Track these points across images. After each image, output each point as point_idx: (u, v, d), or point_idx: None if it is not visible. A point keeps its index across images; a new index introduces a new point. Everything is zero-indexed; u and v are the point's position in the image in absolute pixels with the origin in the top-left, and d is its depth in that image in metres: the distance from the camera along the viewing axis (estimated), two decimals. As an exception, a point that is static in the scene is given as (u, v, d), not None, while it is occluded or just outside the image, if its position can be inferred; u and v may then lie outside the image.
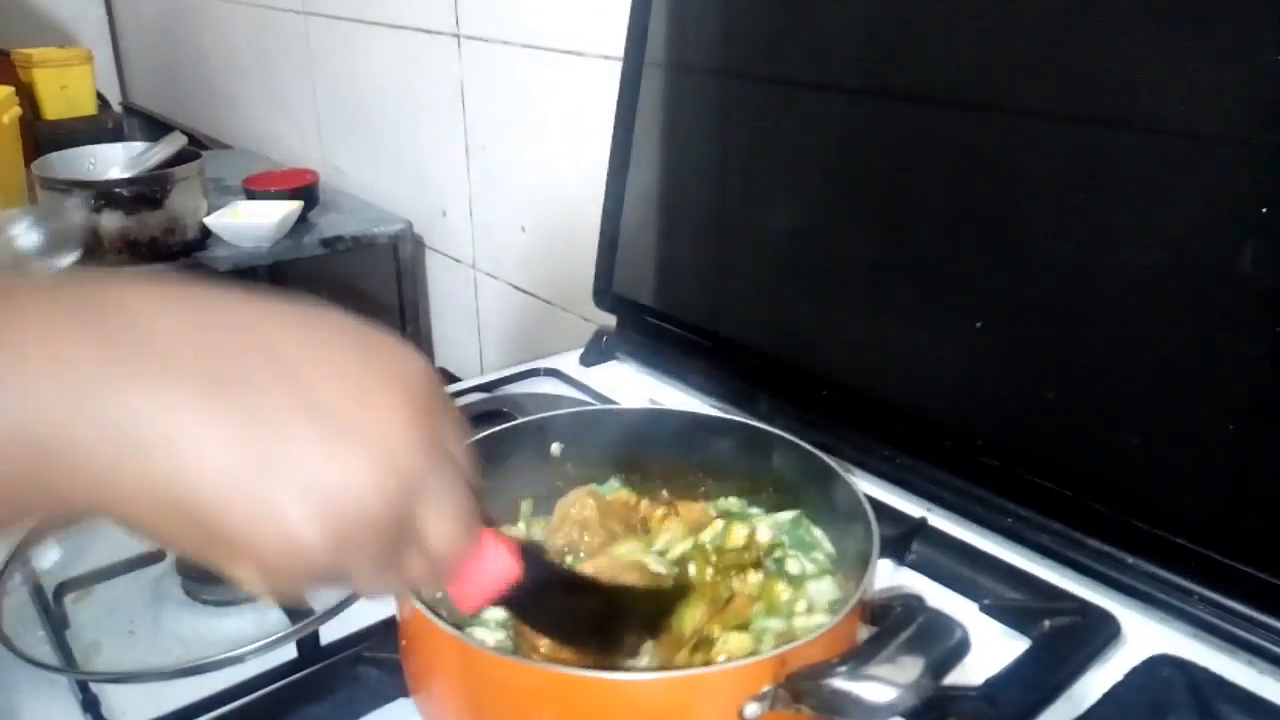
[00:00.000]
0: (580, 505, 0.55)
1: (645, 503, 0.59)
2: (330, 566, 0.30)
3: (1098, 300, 0.61)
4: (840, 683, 0.36)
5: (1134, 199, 0.59)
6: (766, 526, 0.54)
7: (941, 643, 0.38)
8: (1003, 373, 0.67)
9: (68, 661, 0.56)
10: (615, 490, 0.59)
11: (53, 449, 0.27)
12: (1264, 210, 0.52)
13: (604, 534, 0.54)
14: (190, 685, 0.53)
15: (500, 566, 0.37)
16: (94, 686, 0.54)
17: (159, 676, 0.54)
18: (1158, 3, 0.57)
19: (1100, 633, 0.57)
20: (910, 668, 0.36)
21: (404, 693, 0.50)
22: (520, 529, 0.58)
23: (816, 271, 0.79)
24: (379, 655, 0.54)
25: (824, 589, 0.51)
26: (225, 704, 0.53)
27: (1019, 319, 0.66)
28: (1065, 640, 0.56)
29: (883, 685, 0.36)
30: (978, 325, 0.67)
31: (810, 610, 0.49)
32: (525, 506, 0.59)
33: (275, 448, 0.29)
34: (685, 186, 0.90)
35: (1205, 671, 0.53)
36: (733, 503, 0.59)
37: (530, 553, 0.38)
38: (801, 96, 0.78)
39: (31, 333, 0.28)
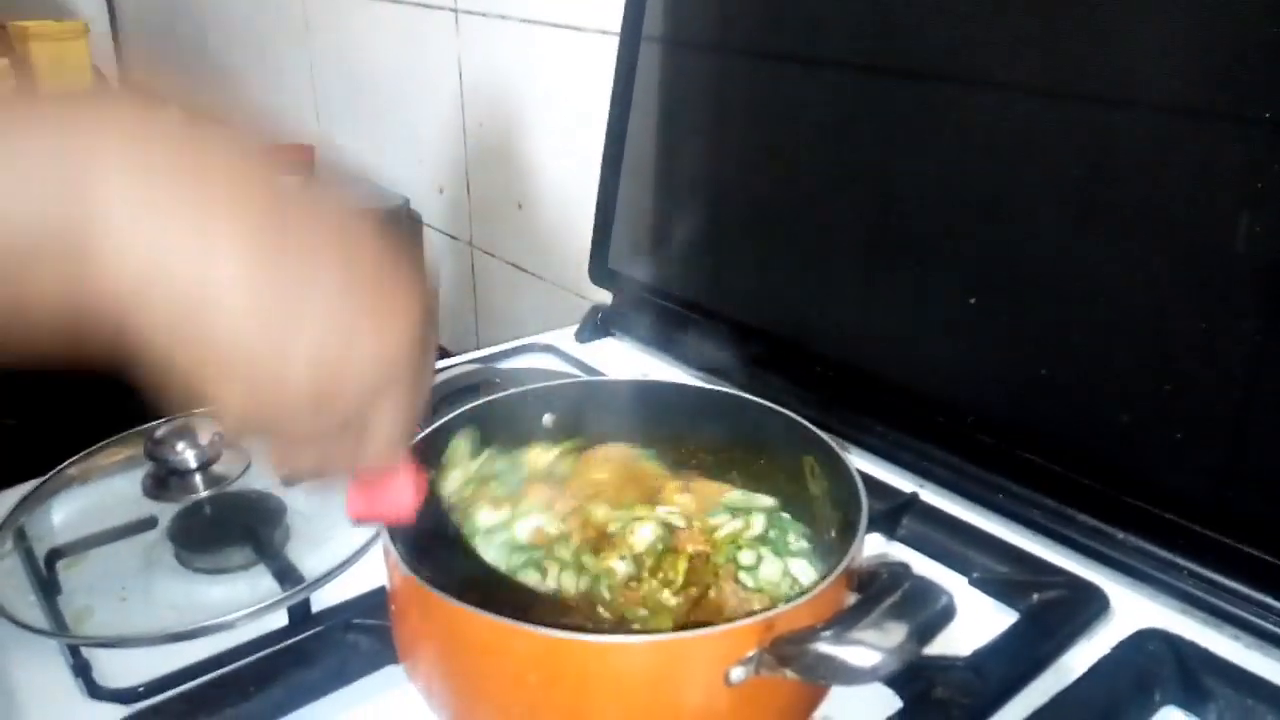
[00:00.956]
0: (601, 464, 0.56)
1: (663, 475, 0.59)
2: (298, 412, 0.34)
3: (1091, 277, 0.61)
4: (825, 647, 0.37)
5: (1128, 175, 0.59)
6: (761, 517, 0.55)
7: (926, 608, 0.38)
8: (996, 349, 0.67)
9: (59, 626, 0.56)
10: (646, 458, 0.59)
11: (102, 256, 0.32)
12: (1259, 185, 0.52)
13: (615, 495, 0.55)
14: (181, 650, 0.54)
15: (403, 497, 0.41)
16: (85, 651, 0.54)
17: (150, 641, 0.54)
18: (1157, -24, 0.56)
19: (1088, 607, 0.57)
20: (895, 632, 0.36)
21: (394, 660, 0.51)
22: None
23: (812, 248, 0.79)
24: (369, 622, 0.54)
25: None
26: (216, 669, 0.53)
27: (1012, 295, 0.66)
28: (1053, 614, 0.57)
29: (867, 649, 0.36)
30: (971, 301, 0.67)
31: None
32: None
33: (302, 295, 0.33)
34: (681, 163, 0.90)
35: (1192, 645, 0.53)
36: (736, 497, 0.59)
37: (433, 504, 0.43)
38: (797, 72, 0.78)
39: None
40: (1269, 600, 0.54)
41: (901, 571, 0.40)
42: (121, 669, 0.53)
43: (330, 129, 1.67)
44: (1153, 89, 0.57)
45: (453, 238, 1.42)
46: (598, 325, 0.94)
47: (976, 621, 0.56)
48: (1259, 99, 0.53)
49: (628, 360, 0.90)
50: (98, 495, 0.68)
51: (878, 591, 0.39)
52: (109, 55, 2.40)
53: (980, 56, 0.66)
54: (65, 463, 0.68)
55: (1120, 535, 0.60)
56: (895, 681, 0.50)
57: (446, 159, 1.37)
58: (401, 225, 1.44)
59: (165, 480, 0.63)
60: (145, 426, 0.69)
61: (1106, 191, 0.60)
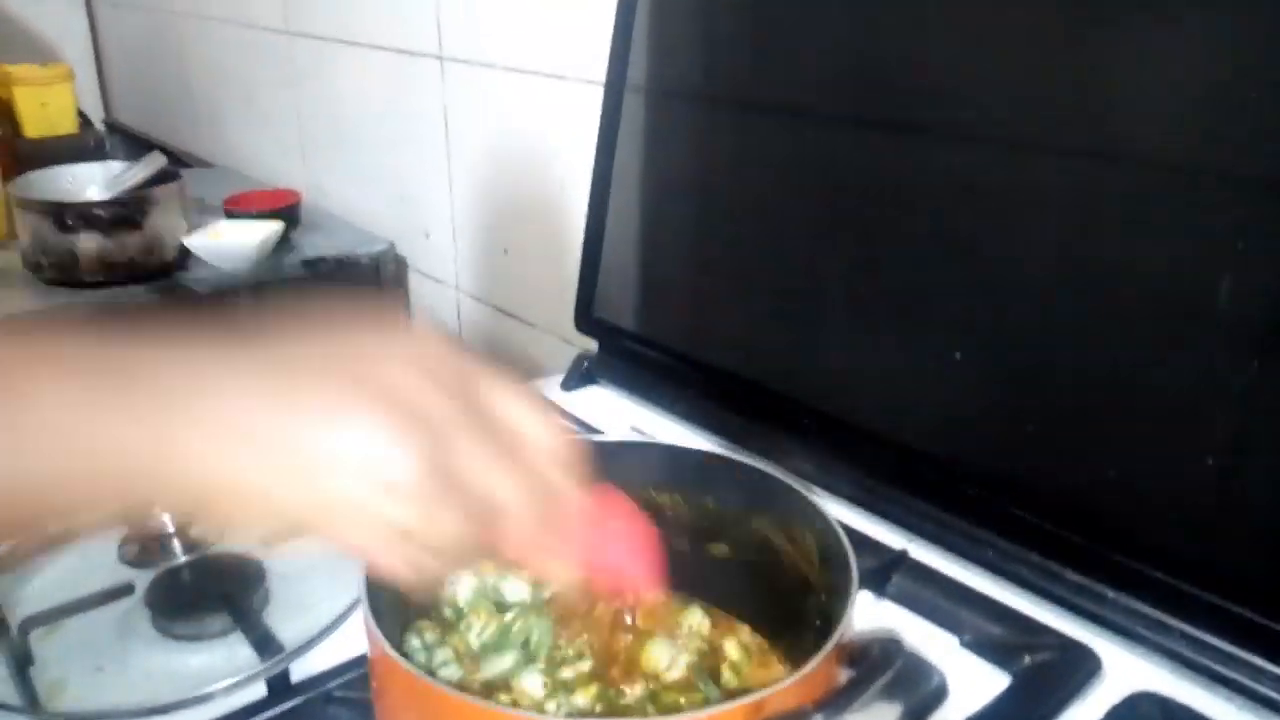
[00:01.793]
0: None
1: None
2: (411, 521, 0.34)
3: (1077, 332, 0.61)
4: (815, 732, 0.36)
5: (1114, 231, 0.59)
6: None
7: (919, 689, 0.37)
8: (982, 403, 0.67)
9: (30, 702, 0.54)
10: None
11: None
12: (1240, 245, 0.52)
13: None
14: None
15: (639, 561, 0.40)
16: (57, 735, 0.53)
17: (127, 715, 0.53)
18: (1140, 38, 0.57)
19: (1080, 669, 0.56)
20: (887, 715, 0.36)
21: (375, 734, 0.50)
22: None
23: (797, 298, 0.79)
24: (350, 695, 0.53)
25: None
26: (192, 745, 0.52)
27: (998, 350, 0.66)
28: (1045, 677, 0.56)
29: (858, 734, 0.35)
30: (957, 356, 0.67)
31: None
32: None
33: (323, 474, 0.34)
34: (666, 211, 0.90)
35: (1186, 710, 0.53)
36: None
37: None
38: (782, 123, 0.78)
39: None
40: (1260, 662, 0.53)
41: (893, 649, 0.39)
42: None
43: (317, 173, 1.67)
44: (1138, 145, 0.58)
45: (438, 282, 1.41)
46: (583, 374, 0.94)
47: (968, 685, 0.55)
48: (1243, 158, 0.53)
49: (614, 410, 0.89)
50: (74, 559, 0.66)
51: (868, 669, 0.38)
52: (95, 99, 2.41)
53: (966, 110, 0.66)
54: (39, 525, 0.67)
55: (1110, 594, 0.59)
56: (887, 752, 0.49)
57: (433, 204, 1.37)
58: (387, 270, 1.44)
59: (142, 545, 0.62)
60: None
61: (1091, 246, 0.60)
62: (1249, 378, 0.54)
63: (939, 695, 0.37)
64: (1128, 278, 0.58)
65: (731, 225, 0.84)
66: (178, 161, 1.71)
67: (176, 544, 0.62)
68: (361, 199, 1.55)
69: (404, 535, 0.34)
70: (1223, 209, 0.53)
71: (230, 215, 1.42)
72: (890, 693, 0.37)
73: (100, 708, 0.54)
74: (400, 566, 0.36)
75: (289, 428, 0.33)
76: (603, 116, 0.92)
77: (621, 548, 0.40)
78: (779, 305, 0.80)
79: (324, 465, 0.33)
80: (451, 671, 0.47)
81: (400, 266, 1.47)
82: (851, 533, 0.62)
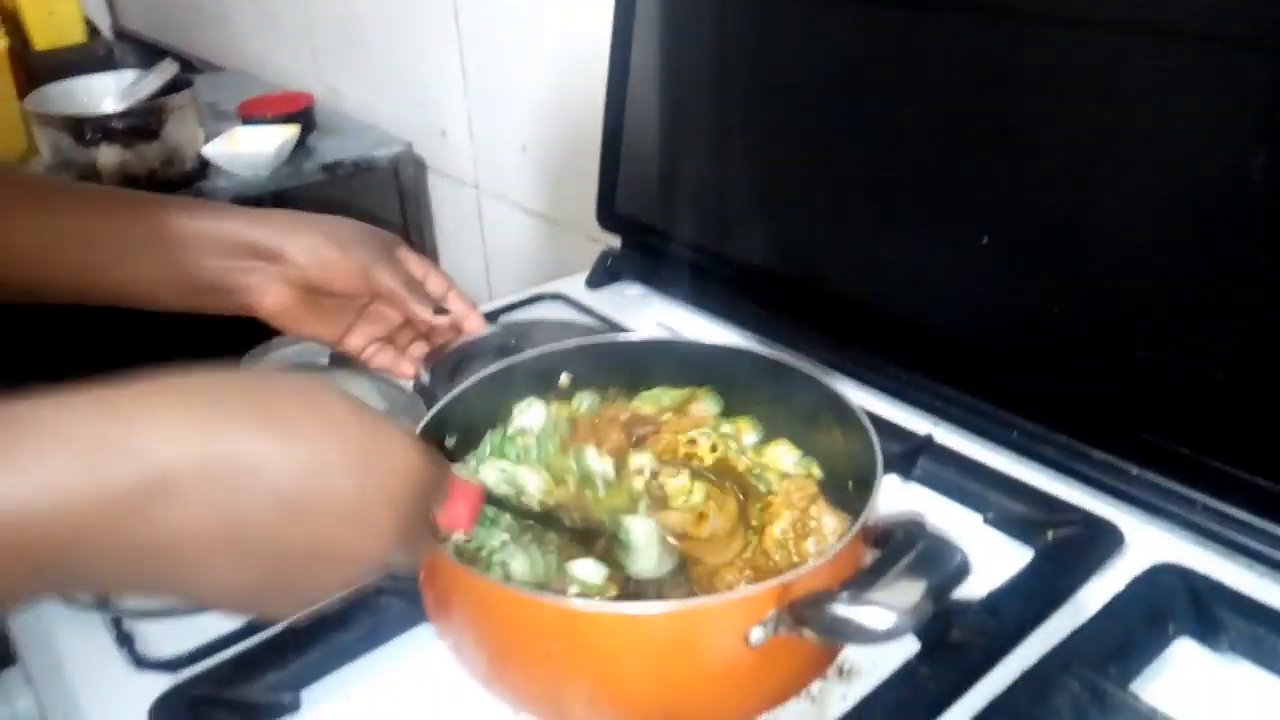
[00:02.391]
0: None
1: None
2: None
3: (1105, 212, 0.60)
4: (842, 609, 0.37)
5: (1143, 107, 0.57)
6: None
7: (941, 567, 0.38)
8: (1009, 287, 0.67)
9: (101, 599, 0.57)
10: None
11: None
12: (1275, 117, 0.51)
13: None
14: (223, 619, 0.55)
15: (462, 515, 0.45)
16: (127, 624, 0.56)
17: (189, 611, 0.56)
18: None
19: (1103, 543, 0.58)
20: (910, 593, 0.37)
21: (425, 619, 0.52)
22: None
23: (821, 187, 0.78)
24: (400, 585, 0.55)
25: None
26: (255, 634, 0.55)
27: (1025, 233, 0.65)
28: (1068, 551, 0.57)
29: (883, 610, 0.37)
30: (984, 240, 0.66)
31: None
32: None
33: (287, 577, 0.37)
34: (686, 102, 0.88)
35: (1205, 578, 0.54)
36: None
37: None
38: (801, 6, 0.76)
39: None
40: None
41: (916, 530, 0.40)
42: (163, 639, 0.55)
43: (328, 75, 1.64)
44: (1167, 15, 0.56)
45: (458, 181, 1.40)
46: (607, 271, 0.94)
47: (993, 561, 0.57)
48: (1277, 26, 0.51)
49: (639, 306, 0.90)
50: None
51: (893, 550, 0.40)
52: (101, 6, 2.36)
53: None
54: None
55: (1135, 470, 0.60)
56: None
57: (447, 102, 1.35)
58: (406, 171, 1.43)
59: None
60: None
61: (1119, 124, 0.59)
62: (1278, 253, 0.53)
63: (961, 572, 0.39)
64: (1158, 155, 0.57)
65: (752, 114, 0.83)
66: (188, 67, 1.69)
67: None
68: (375, 100, 1.53)
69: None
70: (1256, 81, 0.52)
71: (245, 121, 1.41)
72: (914, 571, 0.38)
73: (165, 605, 0.57)
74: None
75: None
76: (617, 4, 0.89)
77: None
78: (803, 195, 0.80)
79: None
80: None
81: (419, 168, 1.46)
82: (878, 419, 0.64)
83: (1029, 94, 0.62)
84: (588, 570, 0.47)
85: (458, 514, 0.45)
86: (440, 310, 0.62)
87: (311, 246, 0.59)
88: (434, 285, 0.63)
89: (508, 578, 0.46)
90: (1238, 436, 0.57)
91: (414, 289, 0.61)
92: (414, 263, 0.63)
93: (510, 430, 0.57)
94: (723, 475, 0.54)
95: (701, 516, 0.52)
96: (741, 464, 0.55)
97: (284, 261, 0.59)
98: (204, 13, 2.03)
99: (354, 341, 0.63)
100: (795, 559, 0.47)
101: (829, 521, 0.48)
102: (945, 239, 0.69)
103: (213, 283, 0.58)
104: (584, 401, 0.60)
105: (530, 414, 0.57)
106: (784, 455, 0.57)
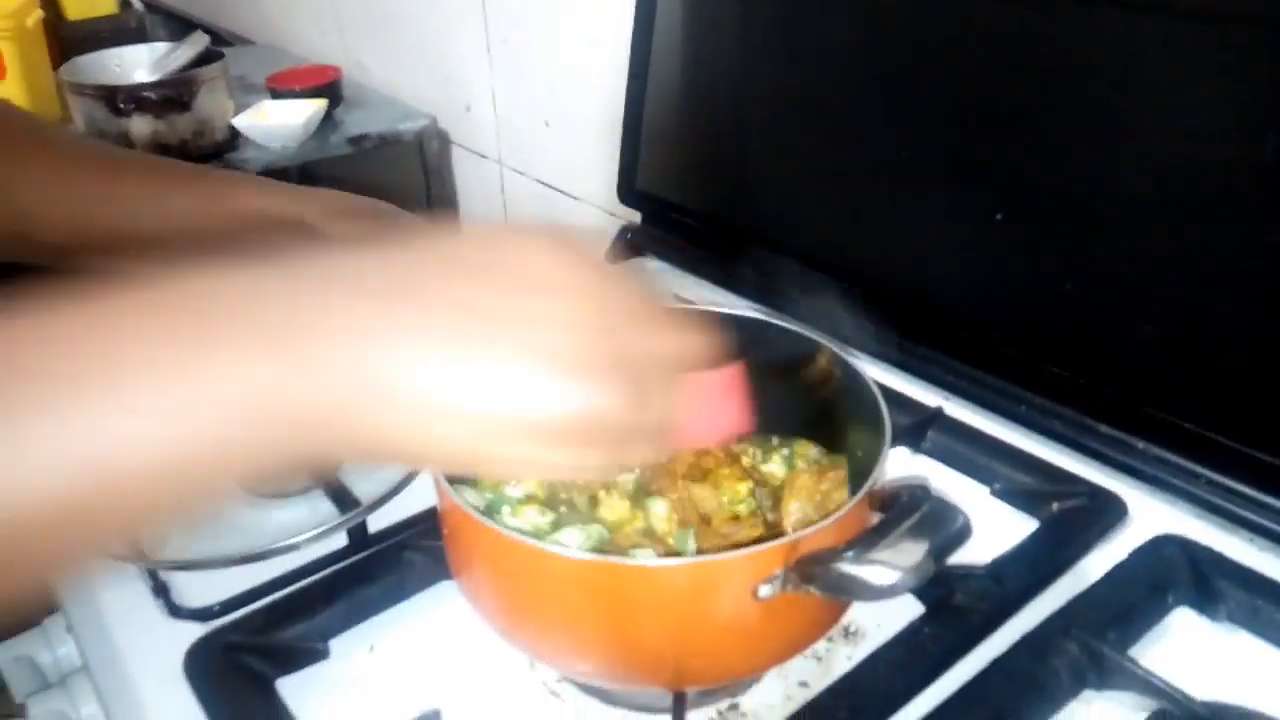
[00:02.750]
0: None
1: None
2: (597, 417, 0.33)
3: (1116, 190, 0.61)
4: (847, 566, 0.39)
5: (1155, 86, 0.58)
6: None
7: (944, 528, 0.40)
8: (1021, 264, 0.68)
9: (138, 552, 0.60)
10: None
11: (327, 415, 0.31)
12: (1287, 97, 0.52)
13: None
14: (252, 571, 0.58)
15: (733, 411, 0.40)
16: (163, 574, 0.59)
17: (223, 564, 0.59)
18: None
19: (1107, 514, 0.59)
20: (913, 552, 0.39)
21: (447, 576, 0.54)
22: None
23: (838, 164, 0.79)
24: (423, 542, 0.58)
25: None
26: (284, 587, 0.57)
27: (1038, 210, 0.66)
28: (1072, 522, 0.59)
29: (886, 568, 0.39)
30: (997, 217, 0.67)
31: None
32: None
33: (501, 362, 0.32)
34: (707, 79, 0.89)
35: (1206, 550, 0.55)
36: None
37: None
38: (824, -19, 0.77)
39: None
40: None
41: (920, 493, 0.42)
42: (197, 590, 0.58)
43: (353, 49, 1.66)
44: (1184, -4, 0.56)
45: (482, 156, 1.42)
46: (627, 245, 0.96)
47: (998, 530, 0.58)
48: (1292, 6, 0.52)
49: (657, 280, 0.91)
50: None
51: (898, 513, 0.41)
52: (130, -23, 2.38)
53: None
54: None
55: (1140, 444, 0.62)
56: (917, 589, 0.52)
57: (472, 76, 1.36)
58: (430, 146, 1.45)
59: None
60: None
61: (1132, 103, 0.59)
62: (1290, 232, 0.54)
63: (963, 534, 0.40)
64: (1170, 135, 0.58)
65: (771, 92, 0.84)
66: (218, 40, 1.70)
67: (254, 412, 0.66)
68: (401, 74, 1.54)
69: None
70: (1268, 61, 0.52)
71: (275, 94, 1.43)
72: (917, 532, 0.40)
73: (200, 556, 0.60)
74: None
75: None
76: (641, -21, 0.90)
77: (717, 395, 0.41)
78: (819, 171, 0.81)
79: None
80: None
81: (443, 142, 1.47)
82: (890, 392, 0.65)
83: (1042, 73, 0.63)
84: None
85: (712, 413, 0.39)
86: None
87: (354, 223, 0.61)
88: None
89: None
90: (1241, 412, 0.58)
91: None
92: None
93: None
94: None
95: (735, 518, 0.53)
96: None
97: (325, 236, 0.60)
98: (232, -15, 2.05)
99: None
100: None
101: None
102: (959, 216, 0.70)
103: (257, 253, 0.59)
104: None
105: None
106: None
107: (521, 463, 0.34)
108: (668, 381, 0.35)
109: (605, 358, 0.33)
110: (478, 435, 0.32)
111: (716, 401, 0.40)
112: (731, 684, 0.50)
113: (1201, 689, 0.46)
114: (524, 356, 0.32)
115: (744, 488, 0.53)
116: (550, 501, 0.53)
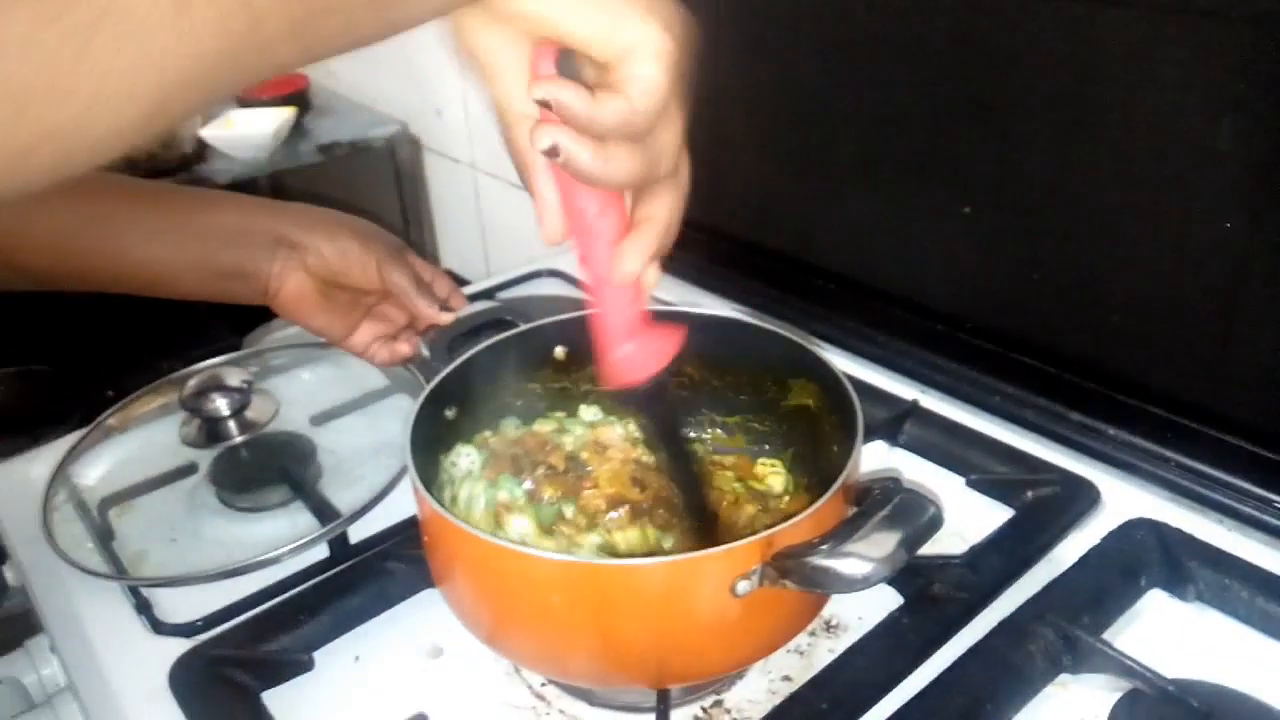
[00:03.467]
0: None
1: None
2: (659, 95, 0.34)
3: (1082, 181, 0.62)
4: (821, 560, 0.40)
5: (1116, 77, 0.59)
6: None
7: (915, 520, 0.41)
8: (991, 256, 0.69)
9: (118, 570, 0.60)
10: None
11: None
12: (1240, 85, 0.53)
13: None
14: (234, 585, 0.58)
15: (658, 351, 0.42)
16: (145, 591, 0.59)
17: (204, 579, 0.59)
18: (1142, -128, 0.55)
19: (1080, 500, 0.60)
20: (884, 544, 0.40)
21: (429, 584, 0.55)
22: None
23: (809, 159, 0.80)
24: (404, 551, 0.58)
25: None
26: (267, 600, 0.57)
27: (1006, 202, 0.67)
28: (1046, 509, 0.60)
29: (859, 560, 0.39)
30: (966, 210, 0.68)
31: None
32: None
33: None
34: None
35: (1177, 532, 0.56)
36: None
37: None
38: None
39: None
40: (1249, 486, 0.57)
41: (892, 486, 0.43)
42: (179, 606, 0.58)
43: (323, 55, 1.65)
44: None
45: (454, 160, 1.42)
46: (602, 247, 0.96)
47: (974, 520, 0.59)
48: (1243, -3, 0.53)
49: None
50: (137, 444, 0.71)
51: (870, 506, 0.42)
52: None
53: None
54: (104, 414, 0.72)
55: (1111, 431, 0.63)
56: (896, 581, 0.53)
57: (442, 81, 1.36)
58: (402, 151, 1.44)
59: (201, 428, 0.67)
60: (175, 376, 0.72)
61: (1094, 93, 0.60)
62: (1249, 219, 0.55)
63: (934, 524, 0.41)
64: (1131, 125, 0.59)
65: (742, 90, 0.84)
66: (184, 51, 1.69)
67: (233, 425, 0.66)
68: (370, 80, 1.54)
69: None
70: (1223, 52, 0.53)
71: (242, 103, 1.42)
72: (889, 524, 0.40)
73: (181, 572, 0.60)
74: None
75: None
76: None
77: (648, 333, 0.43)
78: (792, 168, 0.81)
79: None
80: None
81: (415, 147, 1.47)
82: (865, 386, 0.66)
83: (1007, 66, 0.64)
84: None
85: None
86: (446, 308, 0.64)
87: (332, 236, 0.61)
88: (440, 288, 0.65)
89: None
90: (1207, 397, 0.59)
91: (422, 288, 0.63)
92: (422, 265, 0.65)
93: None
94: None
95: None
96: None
97: (306, 250, 0.60)
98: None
99: (358, 339, 0.65)
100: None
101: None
102: (929, 210, 0.71)
103: (236, 269, 0.60)
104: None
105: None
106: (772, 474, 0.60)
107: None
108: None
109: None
110: None
111: (653, 337, 0.42)
112: (715, 681, 0.51)
113: (1173, 668, 0.47)
114: None
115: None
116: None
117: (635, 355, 0.42)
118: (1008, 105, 0.65)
